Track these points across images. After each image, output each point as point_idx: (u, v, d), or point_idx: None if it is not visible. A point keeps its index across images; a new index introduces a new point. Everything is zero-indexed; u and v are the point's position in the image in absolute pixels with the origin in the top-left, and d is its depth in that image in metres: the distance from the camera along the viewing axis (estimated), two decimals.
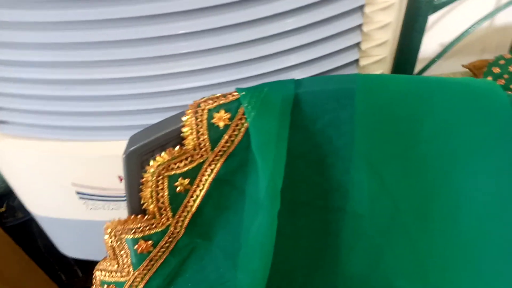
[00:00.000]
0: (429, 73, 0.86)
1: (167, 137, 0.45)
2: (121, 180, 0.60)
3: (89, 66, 0.51)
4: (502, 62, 0.78)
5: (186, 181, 0.45)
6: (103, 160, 0.58)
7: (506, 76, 0.77)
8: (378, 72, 0.53)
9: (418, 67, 0.84)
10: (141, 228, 0.44)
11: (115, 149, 0.57)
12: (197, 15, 0.46)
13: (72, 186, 0.62)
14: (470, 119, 0.41)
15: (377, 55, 0.52)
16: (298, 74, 0.51)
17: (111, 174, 0.60)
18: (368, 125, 0.44)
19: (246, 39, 0.48)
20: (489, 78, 0.78)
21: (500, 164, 0.40)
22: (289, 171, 0.46)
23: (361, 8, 0.48)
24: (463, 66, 0.86)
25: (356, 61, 0.53)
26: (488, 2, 0.84)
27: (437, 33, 0.87)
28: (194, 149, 0.44)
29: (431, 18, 0.76)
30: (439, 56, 0.82)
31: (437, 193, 0.43)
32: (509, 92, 0.76)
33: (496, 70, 0.78)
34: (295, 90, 0.44)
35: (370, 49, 0.51)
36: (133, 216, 0.45)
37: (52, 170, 0.61)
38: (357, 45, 0.51)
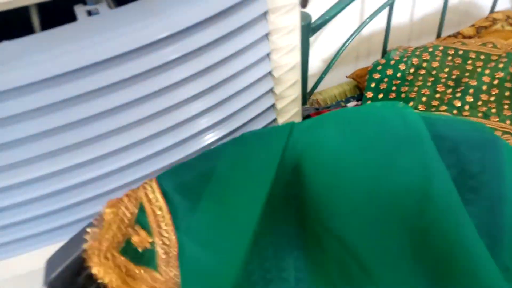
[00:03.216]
0: (317, 88, 0.91)
1: None
2: None
3: None
4: (379, 67, 0.85)
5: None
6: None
7: (386, 79, 0.85)
8: (294, 110, 0.54)
9: (308, 85, 0.88)
10: None
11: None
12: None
13: None
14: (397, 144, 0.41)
15: (290, 95, 0.52)
16: (221, 132, 0.49)
17: None
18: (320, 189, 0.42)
19: (158, 109, 0.44)
20: (372, 84, 0.85)
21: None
22: None
23: (268, 55, 0.48)
24: (347, 77, 0.92)
25: (273, 105, 0.52)
26: (354, 17, 0.92)
27: (315, 51, 0.93)
28: None
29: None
30: (326, 71, 0.87)
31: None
32: (392, 95, 0.85)
33: (376, 75, 0.85)
34: None
35: (284, 92, 0.51)
36: None
37: None
38: (271, 90, 0.51)
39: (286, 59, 0.49)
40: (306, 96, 0.88)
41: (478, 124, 0.48)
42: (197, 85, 0.45)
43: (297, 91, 0.52)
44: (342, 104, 0.89)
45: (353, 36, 0.85)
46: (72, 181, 0.45)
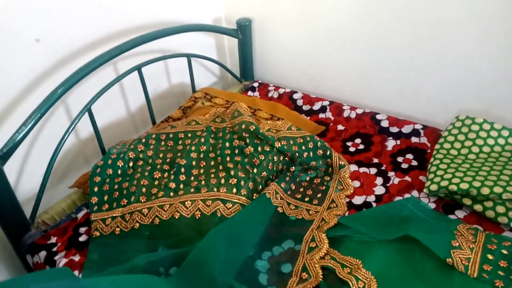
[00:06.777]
0: (43, 208, 0.83)
1: None
2: None
3: None
4: (98, 170, 0.84)
5: None
6: None
7: (108, 179, 0.83)
8: None
9: (28, 210, 0.80)
10: None
11: None
12: None
13: None
14: None
15: None
16: None
17: None
18: None
19: None
20: (95, 189, 0.83)
21: None
22: None
23: None
24: (70, 187, 0.88)
25: None
26: (63, 125, 0.89)
27: (31, 170, 0.86)
28: None
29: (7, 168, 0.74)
30: (42, 189, 0.80)
31: None
32: (116, 194, 0.83)
33: (97, 179, 0.83)
34: None
35: None
36: None
37: None
38: None
39: None
40: (28, 223, 0.80)
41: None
42: None
43: None
44: (73, 215, 0.84)
45: (60, 147, 0.83)
46: None
